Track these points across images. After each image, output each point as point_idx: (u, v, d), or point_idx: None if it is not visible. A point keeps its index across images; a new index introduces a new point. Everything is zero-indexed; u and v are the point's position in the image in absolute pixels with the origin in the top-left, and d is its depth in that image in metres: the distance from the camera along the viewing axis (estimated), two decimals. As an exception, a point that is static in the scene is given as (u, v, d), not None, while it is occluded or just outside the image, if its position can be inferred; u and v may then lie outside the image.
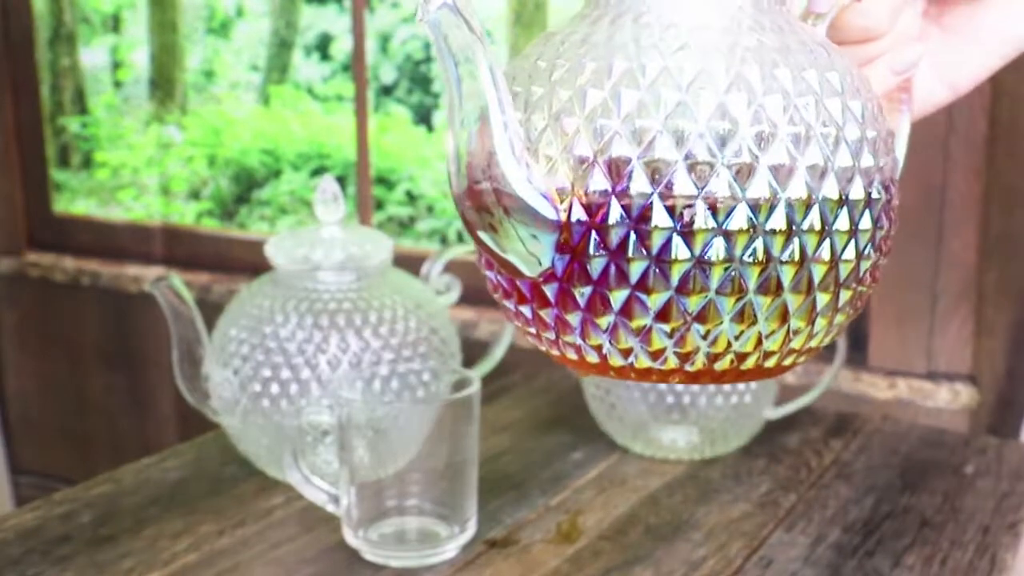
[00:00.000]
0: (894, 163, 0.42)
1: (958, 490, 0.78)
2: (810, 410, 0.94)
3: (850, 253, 0.39)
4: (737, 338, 0.38)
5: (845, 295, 0.40)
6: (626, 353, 0.39)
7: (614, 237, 0.37)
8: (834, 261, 0.38)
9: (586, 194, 0.37)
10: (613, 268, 0.37)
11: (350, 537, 0.67)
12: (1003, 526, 0.72)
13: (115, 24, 1.62)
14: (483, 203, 0.36)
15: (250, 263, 1.54)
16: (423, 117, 1.37)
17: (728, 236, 0.36)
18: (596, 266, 0.37)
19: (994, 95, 0.96)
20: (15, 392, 1.77)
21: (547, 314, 0.40)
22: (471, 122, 0.35)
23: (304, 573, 0.66)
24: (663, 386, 0.81)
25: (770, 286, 0.38)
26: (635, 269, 0.37)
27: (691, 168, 0.36)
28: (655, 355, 0.39)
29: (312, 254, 0.75)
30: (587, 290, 0.38)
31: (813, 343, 0.41)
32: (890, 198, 0.41)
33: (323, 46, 1.45)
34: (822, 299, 0.39)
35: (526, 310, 0.41)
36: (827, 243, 0.38)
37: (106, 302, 1.62)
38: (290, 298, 0.75)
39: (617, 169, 0.36)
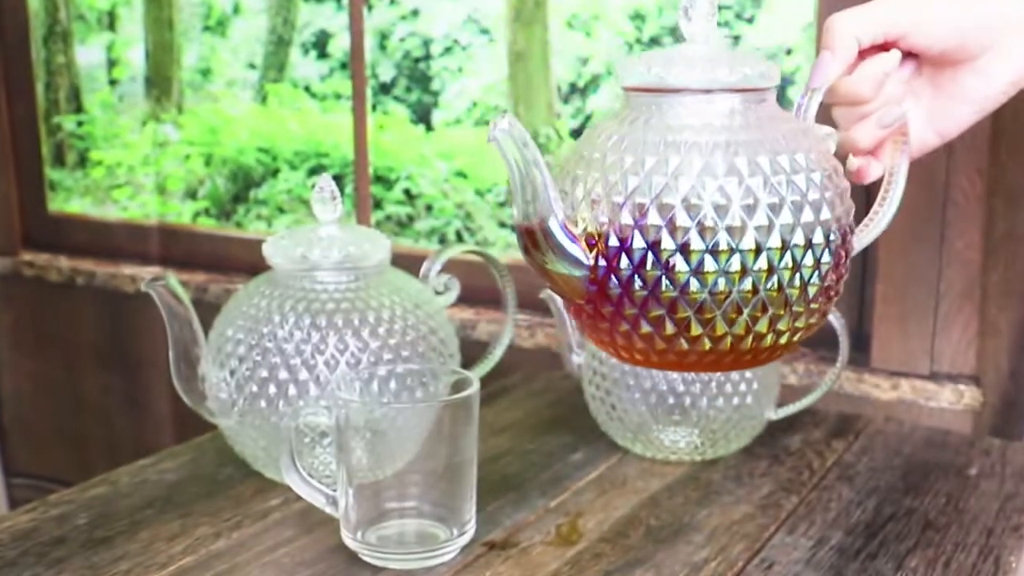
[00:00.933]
0: (848, 210, 0.57)
1: (961, 492, 0.77)
2: (812, 411, 0.93)
3: (815, 279, 0.56)
4: (714, 340, 0.56)
5: (814, 306, 0.57)
6: (642, 352, 0.57)
7: (624, 276, 0.55)
8: (803, 285, 0.55)
9: (606, 247, 0.54)
10: (625, 297, 0.55)
11: (348, 539, 0.67)
12: (1007, 528, 0.72)
13: (111, 21, 1.61)
14: (539, 250, 0.54)
15: (247, 263, 1.53)
16: (422, 116, 1.37)
17: (699, 275, 0.54)
18: (614, 294, 0.55)
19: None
20: (10, 393, 1.76)
21: (589, 323, 0.59)
22: (528, 200, 0.53)
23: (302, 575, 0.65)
24: (664, 387, 0.80)
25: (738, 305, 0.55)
26: (638, 296, 0.55)
27: (671, 229, 0.53)
28: (661, 353, 0.57)
29: (310, 253, 0.75)
30: (610, 309, 0.56)
31: (796, 337, 0.58)
32: (843, 237, 0.57)
33: (321, 44, 1.44)
34: (799, 307, 0.56)
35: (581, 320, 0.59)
36: (798, 275, 0.55)
37: (102, 302, 1.61)
38: (287, 298, 0.74)
39: (624, 231, 0.54)
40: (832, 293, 0.58)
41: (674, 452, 0.82)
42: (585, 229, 0.55)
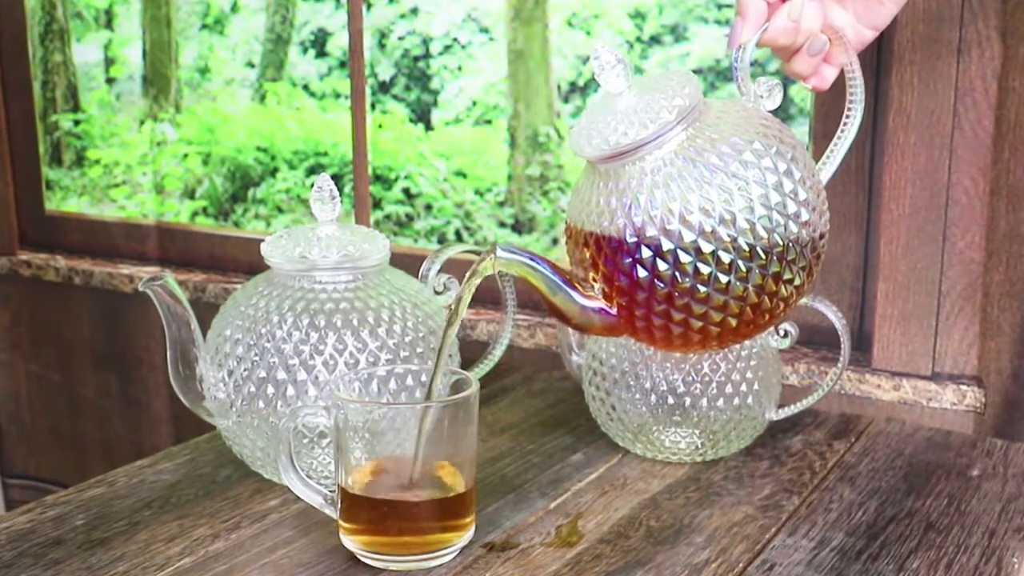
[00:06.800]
0: (804, 155, 0.65)
1: (964, 493, 0.77)
2: (813, 411, 0.93)
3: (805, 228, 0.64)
4: (711, 320, 0.64)
5: (785, 290, 0.64)
6: (663, 332, 0.65)
7: (646, 282, 0.63)
8: (781, 269, 0.63)
9: (608, 289, 0.65)
10: (652, 299, 0.64)
11: (347, 540, 0.66)
12: (1010, 529, 0.71)
13: (108, 20, 1.61)
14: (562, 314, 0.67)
15: (245, 262, 1.52)
16: (421, 115, 1.36)
17: (703, 262, 0.62)
18: (641, 300, 0.64)
19: (1000, 93, 0.95)
20: (6, 393, 1.76)
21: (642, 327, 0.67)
22: (545, 281, 0.64)
23: (300, 578, 0.65)
24: (664, 387, 0.80)
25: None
26: (661, 294, 0.63)
27: (677, 236, 0.62)
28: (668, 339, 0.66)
29: (308, 253, 0.74)
30: (643, 311, 0.65)
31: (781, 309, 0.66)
32: (816, 190, 0.65)
33: (320, 42, 1.44)
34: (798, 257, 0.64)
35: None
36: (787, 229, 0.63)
37: (99, 302, 1.61)
38: (286, 298, 0.74)
39: (634, 252, 0.63)
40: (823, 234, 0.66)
41: (674, 453, 0.82)
42: (602, 288, 0.64)
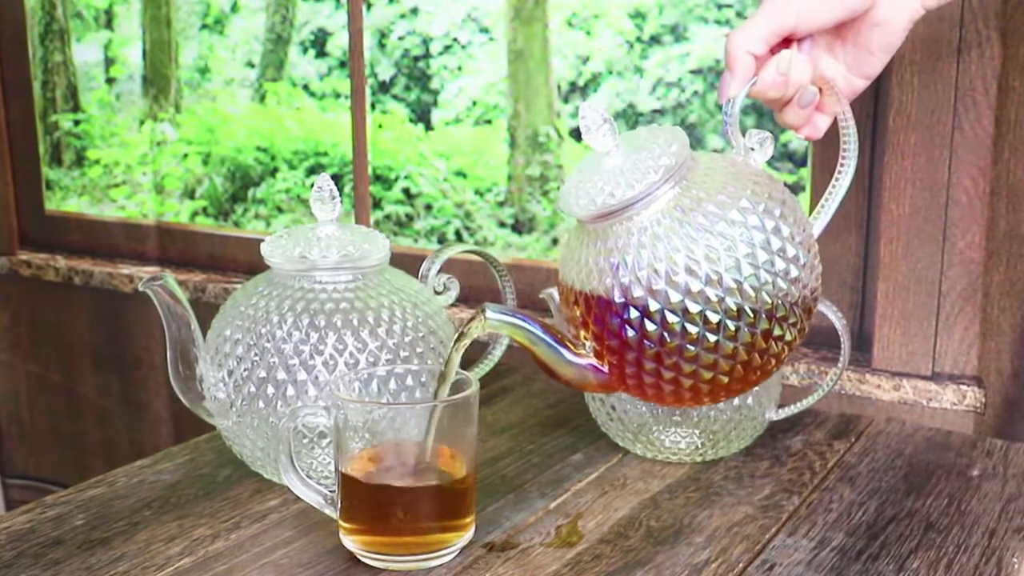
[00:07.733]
0: (795, 208, 0.64)
1: (964, 493, 0.77)
2: (813, 411, 0.93)
3: (794, 281, 0.63)
4: (698, 380, 0.64)
5: (776, 346, 0.64)
6: (654, 389, 0.65)
7: (634, 342, 0.63)
8: (770, 327, 0.63)
9: (599, 348, 0.65)
10: (641, 357, 0.64)
11: (347, 540, 0.66)
12: (1010, 529, 0.71)
13: (108, 20, 1.61)
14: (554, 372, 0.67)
15: (245, 262, 1.52)
16: (421, 115, 1.36)
17: (690, 321, 0.62)
18: (631, 359, 0.64)
19: (1000, 93, 0.95)
20: (6, 393, 1.76)
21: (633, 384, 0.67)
22: (536, 342, 0.65)
23: (300, 578, 0.65)
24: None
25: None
26: (650, 353, 0.63)
27: (663, 297, 0.61)
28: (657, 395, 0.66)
29: (308, 253, 0.74)
30: (634, 370, 0.65)
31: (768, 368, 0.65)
32: (805, 240, 0.64)
33: (320, 42, 1.44)
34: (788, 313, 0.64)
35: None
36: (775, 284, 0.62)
37: (99, 302, 1.61)
38: (286, 298, 0.74)
39: (622, 312, 0.63)
40: (815, 285, 0.65)
41: (674, 453, 0.82)
42: (581, 342, 0.65)
